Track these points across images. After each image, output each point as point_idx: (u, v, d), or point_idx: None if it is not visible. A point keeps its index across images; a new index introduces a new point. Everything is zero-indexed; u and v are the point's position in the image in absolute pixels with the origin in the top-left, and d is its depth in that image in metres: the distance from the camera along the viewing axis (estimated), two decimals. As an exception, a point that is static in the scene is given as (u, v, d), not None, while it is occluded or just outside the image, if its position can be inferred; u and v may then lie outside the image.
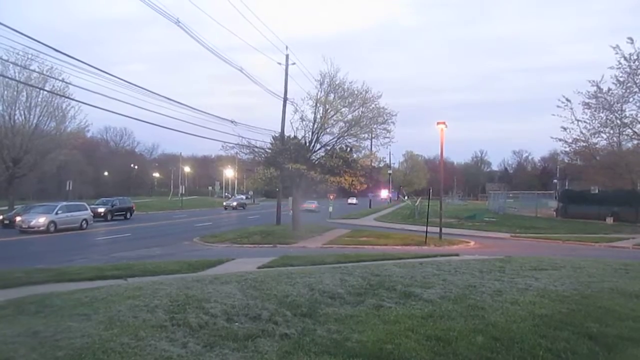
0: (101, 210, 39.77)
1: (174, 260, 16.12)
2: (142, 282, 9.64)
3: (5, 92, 35.44)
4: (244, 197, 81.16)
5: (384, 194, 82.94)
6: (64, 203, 32.90)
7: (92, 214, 33.95)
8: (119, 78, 17.91)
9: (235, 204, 67.36)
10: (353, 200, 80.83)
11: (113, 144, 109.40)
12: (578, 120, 32.45)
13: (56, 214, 29.99)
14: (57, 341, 5.24)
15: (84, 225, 31.76)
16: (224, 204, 68.31)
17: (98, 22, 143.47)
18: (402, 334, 5.91)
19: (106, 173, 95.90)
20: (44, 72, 31.84)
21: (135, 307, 6.81)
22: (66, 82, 28.96)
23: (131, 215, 43.41)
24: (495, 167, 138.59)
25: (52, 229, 28.90)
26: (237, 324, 6.19)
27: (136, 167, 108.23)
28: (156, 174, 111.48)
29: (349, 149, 30.71)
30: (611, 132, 32.90)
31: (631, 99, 31.43)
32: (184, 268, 13.07)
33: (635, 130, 32.11)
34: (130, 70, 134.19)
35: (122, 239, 26.52)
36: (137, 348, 5.08)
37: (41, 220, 28.96)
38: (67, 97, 33.60)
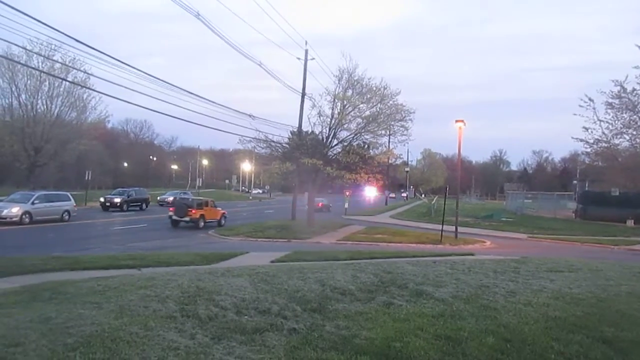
0: (117, 200, 40.29)
1: (188, 252, 16.29)
2: (155, 273, 9.73)
3: (29, 82, 35.97)
4: (189, 192, 58.93)
5: (371, 192, 61.37)
6: (43, 192, 30.15)
7: (75, 205, 30.78)
8: (139, 70, 18.06)
9: (171, 199, 47.33)
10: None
11: (133, 136, 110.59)
12: (600, 121, 31.84)
13: (32, 203, 26.94)
14: (67, 328, 5.29)
15: (66, 217, 28.88)
16: (158, 199, 51.60)
17: (120, 15, 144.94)
18: (411, 332, 5.85)
19: (125, 164, 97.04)
20: (67, 63, 32.15)
21: (147, 297, 6.87)
22: (88, 73, 29.14)
23: (147, 206, 43.66)
24: (514, 167, 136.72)
25: (26, 220, 26.08)
26: (246, 317, 6.19)
27: (155, 158, 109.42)
28: (174, 166, 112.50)
29: (366, 145, 30.61)
30: (634, 133, 32.21)
31: (656, 100, 30.70)
32: (197, 260, 13.21)
33: (660, 132, 31.43)
34: (150, 64, 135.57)
35: (137, 230, 26.77)
36: (146, 338, 5.10)
37: (14, 210, 25.98)
38: (89, 88, 34.03)
